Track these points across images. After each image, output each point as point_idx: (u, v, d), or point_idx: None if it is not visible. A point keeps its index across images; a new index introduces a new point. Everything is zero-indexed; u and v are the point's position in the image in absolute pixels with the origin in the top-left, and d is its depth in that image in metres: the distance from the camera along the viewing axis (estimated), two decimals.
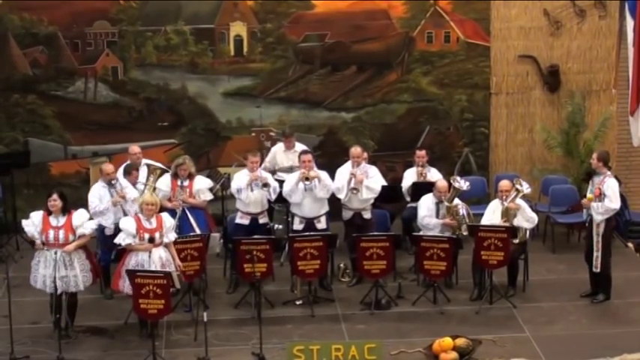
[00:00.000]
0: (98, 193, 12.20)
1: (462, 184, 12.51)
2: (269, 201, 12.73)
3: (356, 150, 12.76)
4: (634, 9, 13.72)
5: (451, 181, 12.58)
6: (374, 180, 12.68)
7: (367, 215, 12.80)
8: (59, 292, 11.09)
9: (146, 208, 11.31)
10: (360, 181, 12.52)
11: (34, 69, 14.54)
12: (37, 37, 14.45)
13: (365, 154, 13.08)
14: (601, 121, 14.68)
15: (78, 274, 11.20)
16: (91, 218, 11.57)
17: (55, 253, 11.02)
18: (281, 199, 12.79)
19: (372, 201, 12.77)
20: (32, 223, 11.17)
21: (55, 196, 11.17)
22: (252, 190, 12.44)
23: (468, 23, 14.94)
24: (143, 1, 14.50)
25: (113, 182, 12.17)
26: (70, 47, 14.52)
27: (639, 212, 14.59)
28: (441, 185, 12.57)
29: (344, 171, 12.72)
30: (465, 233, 12.43)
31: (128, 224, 11.27)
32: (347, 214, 12.81)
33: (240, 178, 12.52)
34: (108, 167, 12.31)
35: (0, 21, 14.34)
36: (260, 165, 12.82)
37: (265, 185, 12.41)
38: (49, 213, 11.14)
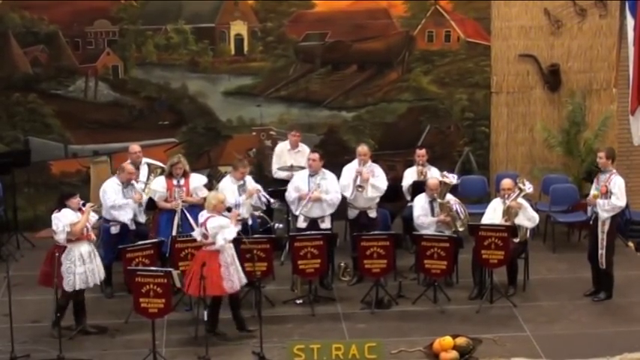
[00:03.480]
0: (113, 189, 12.20)
1: (451, 178, 12.51)
2: (268, 201, 12.72)
3: (363, 148, 12.79)
4: (634, 8, 13.73)
5: (440, 177, 12.59)
6: (380, 179, 12.70)
7: (373, 214, 12.82)
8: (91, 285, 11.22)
9: (221, 206, 11.20)
10: (367, 179, 12.53)
11: (35, 68, 14.54)
12: (38, 36, 14.45)
13: (369, 153, 13.10)
14: (601, 120, 14.68)
15: (100, 263, 11.40)
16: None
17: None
18: (282, 196, 12.79)
19: (377, 200, 12.78)
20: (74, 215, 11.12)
21: (77, 194, 11.25)
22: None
23: (468, 22, 14.95)
24: (144, 0, 14.50)
25: (132, 183, 12.24)
26: (70, 46, 14.52)
27: (639, 211, 14.59)
28: (432, 183, 12.57)
29: (351, 168, 12.74)
30: (461, 229, 12.42)
31: (227, 220, 11.10)
32: (352, 213, 12.82)
33: (229, 191, 12.22)
34: (130, 167, 12.36)
35: (1, 20, 14.33)
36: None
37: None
38: None
